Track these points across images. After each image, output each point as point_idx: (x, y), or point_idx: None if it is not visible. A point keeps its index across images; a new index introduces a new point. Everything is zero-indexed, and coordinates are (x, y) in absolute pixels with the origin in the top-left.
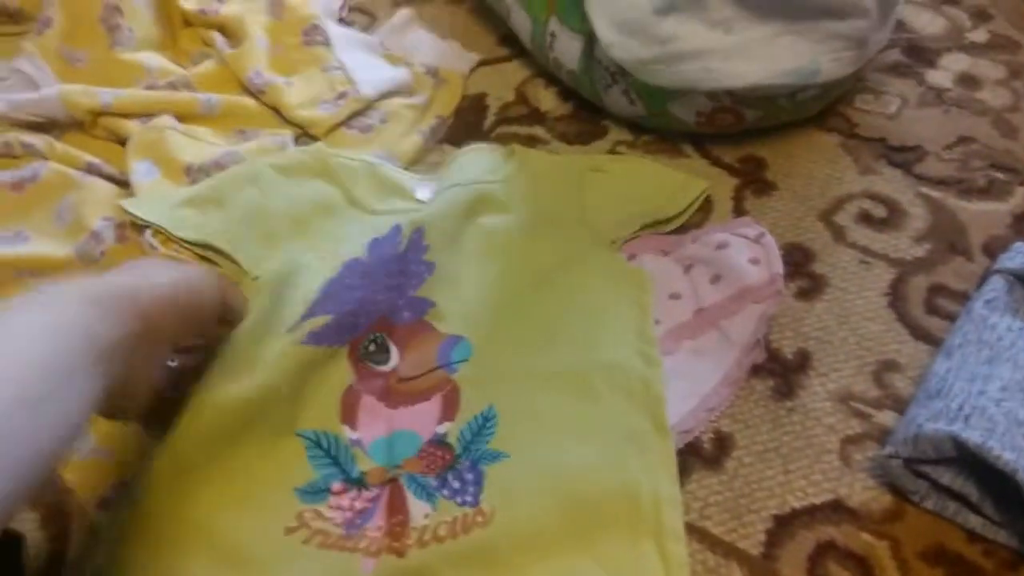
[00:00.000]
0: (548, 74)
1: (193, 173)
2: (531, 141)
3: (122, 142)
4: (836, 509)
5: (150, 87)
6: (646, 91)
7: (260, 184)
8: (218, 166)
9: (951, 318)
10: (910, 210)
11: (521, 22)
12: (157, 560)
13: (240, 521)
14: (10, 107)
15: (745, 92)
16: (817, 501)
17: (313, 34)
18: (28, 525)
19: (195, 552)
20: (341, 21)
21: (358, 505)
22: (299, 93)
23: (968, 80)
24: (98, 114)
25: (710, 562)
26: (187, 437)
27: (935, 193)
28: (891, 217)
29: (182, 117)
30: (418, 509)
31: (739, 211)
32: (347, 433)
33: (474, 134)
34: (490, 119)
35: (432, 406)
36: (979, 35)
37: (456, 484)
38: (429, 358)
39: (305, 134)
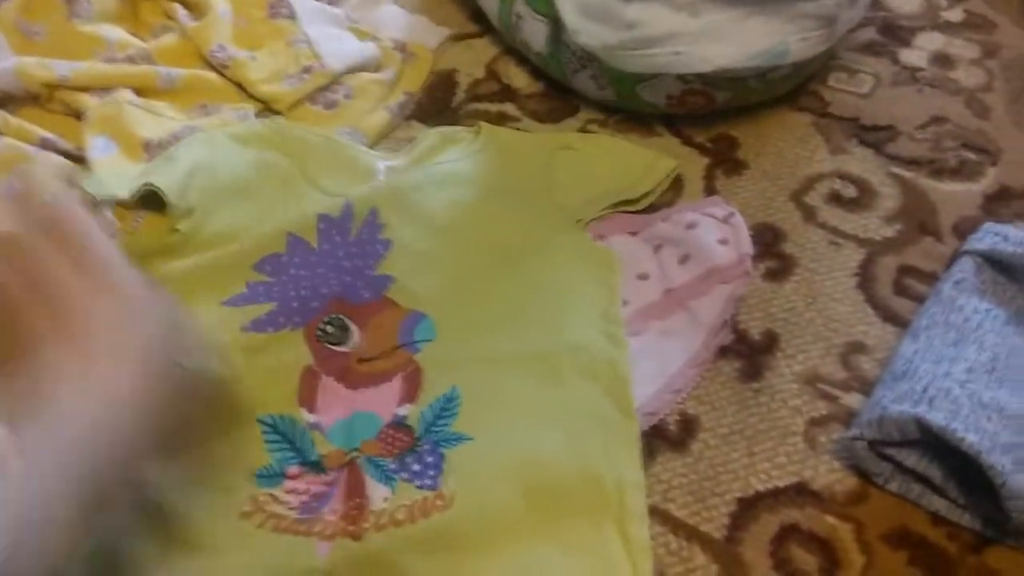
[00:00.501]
0: (519, 51)
1: (152, 149)
2: (501, 118)
3: (78, 117)
4: (800, 492)
5: (109, 60)
6: (615, 76)
7: (211, 145)
8: (178, 141)
9: (920, 299)
10: (881, 190)
11: (488, 2)
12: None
13: (194, 505)
14: None
15: (715, 75)
16: (781, 484)
17: (279, 7)
18: None
19: (147, 533)
20: None
21: (314, 489)
22: (263, 67)
23: (942, 59)
24: (54, 87)
25: (672, 545)
26: None
27: (907, 173)
28: (862, 197)
29: (141, 91)
30: (377, 492)
31: (710, 191)
32: (305, 416)
33: (443, 111)
34: (460, 96)
35: (393, 387)
36: (954, 14)
37: (416, 467)
38: (390, 337)
39: (268, 109)
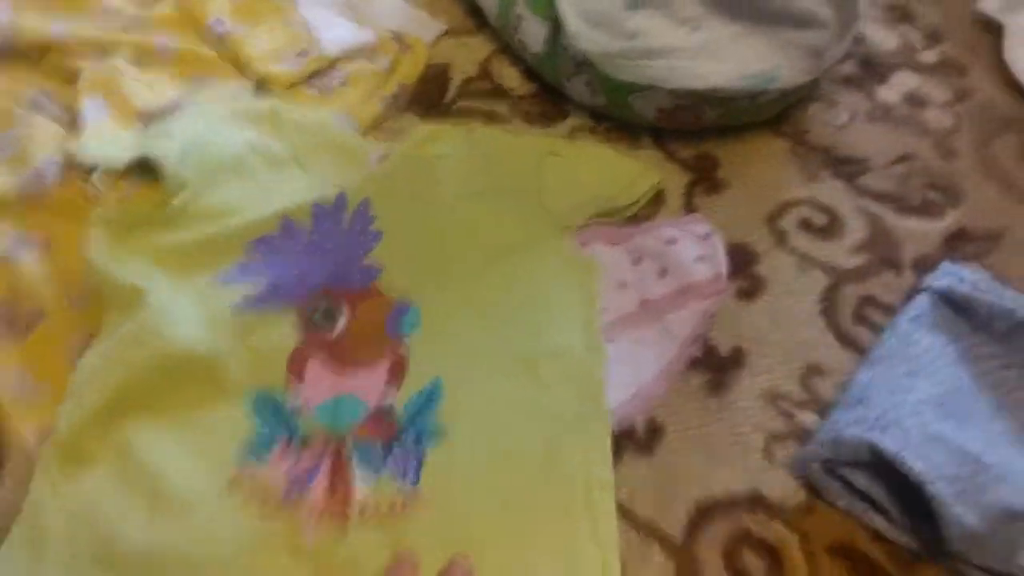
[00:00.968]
0: (513, 51)
1: (145, 118)
2: (492, 117)
3: (71, 80)
4: (754, 501)
5: (106, 25)
6: (609, 84)
7: (206, 121)
8: (171, 113)
9: (877, 329)
10: (849, 221)
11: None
12: (99, 497)
13: (180, 468)
14: None
15: (706, 93)
16: (738, 492)
17: None
18: None
19: (135, 494)
20: None
21: (300, 467)
22: (260, 45)
23: (915, 100)
24: (48, 49)
25: (634, 542)
26: (127, 369)
27: (874, 206)
28: (831, 226)
29: (137, 59)
30: (360, 480)
31: (689, 207)
32: (293, 394)
33: (435, 106)
34: (452, 92)
35: (379, 373)
36: (930, 56)
37: (399, 459)
38: (378, 326)
39: (263, 87)
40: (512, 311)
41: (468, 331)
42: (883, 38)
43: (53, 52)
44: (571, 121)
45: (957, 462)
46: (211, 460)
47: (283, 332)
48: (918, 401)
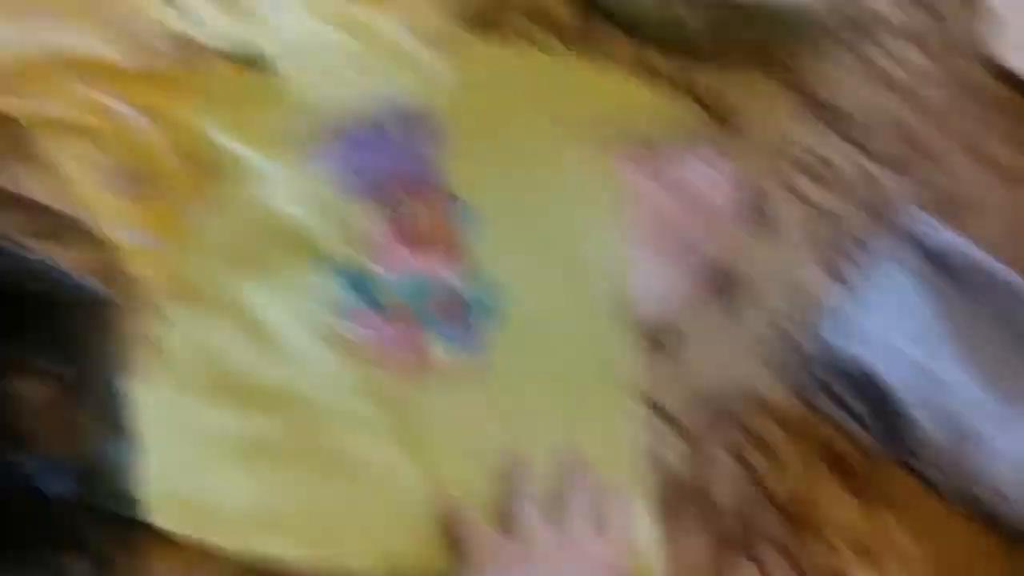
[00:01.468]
0: None
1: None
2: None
3: None
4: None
5: None
6: None
7: (291, 13)
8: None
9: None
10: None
11: None
12: (213, 333)
13: (281, 319)
14: None
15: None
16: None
17: None
18: None
19: (244, 333)
20: None
21: (383, 332)
22: None
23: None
24: None
25: (655, 426)
26: (240, 229)
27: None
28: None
29: None
30: (434, 347)
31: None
32: (374, 270)
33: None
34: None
35: (448, 259)
36: None
37: (467, 334)
38: (445, 218)
39: None
40: (556, 219)
41: (522, 229)
42: None
43: None
44: (614, 50)
45: (923, 379)
46: (305, 318)
47: (364, 215)
48: (889, 326)
